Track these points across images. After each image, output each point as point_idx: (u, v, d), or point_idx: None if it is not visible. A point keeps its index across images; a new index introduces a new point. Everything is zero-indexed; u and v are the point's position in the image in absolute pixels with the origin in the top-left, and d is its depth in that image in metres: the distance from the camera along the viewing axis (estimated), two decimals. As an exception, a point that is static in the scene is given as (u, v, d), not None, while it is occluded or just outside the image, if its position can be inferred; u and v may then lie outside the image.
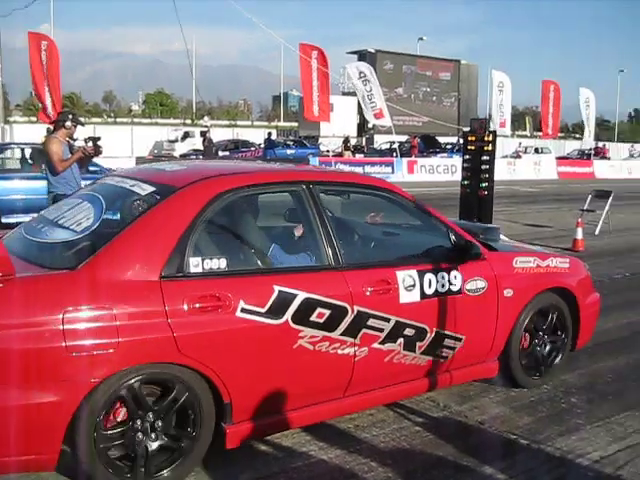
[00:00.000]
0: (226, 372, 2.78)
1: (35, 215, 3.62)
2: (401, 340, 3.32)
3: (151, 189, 3.05)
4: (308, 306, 2.97)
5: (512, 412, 3.77)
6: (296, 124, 45.32)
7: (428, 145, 35.71)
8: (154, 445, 2.67)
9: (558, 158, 34.80)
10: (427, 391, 3.73)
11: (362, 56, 42.70)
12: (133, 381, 2.58)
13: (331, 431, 3.40)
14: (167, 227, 2.80)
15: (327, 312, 3.03)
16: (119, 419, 2.64)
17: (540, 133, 36.03)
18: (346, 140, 29.71)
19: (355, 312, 3.11)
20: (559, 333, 4.14)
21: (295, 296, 2.93)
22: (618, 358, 4.72)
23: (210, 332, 2.73)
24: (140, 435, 2.63)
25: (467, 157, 9.83)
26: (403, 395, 3.65)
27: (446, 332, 3.50)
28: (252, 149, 32.23)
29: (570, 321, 4.15)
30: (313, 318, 2.99)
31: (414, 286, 3.34)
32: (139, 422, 2.64)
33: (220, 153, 28.37)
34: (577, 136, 38.13)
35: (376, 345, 3.24)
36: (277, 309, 2.88)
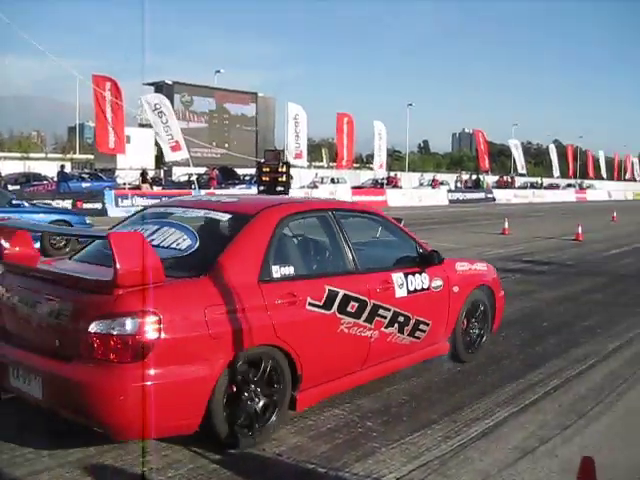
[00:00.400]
0: (300, 351, 3.89)
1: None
2: (396, 325, 4.69)
3: (229, 216, 4.22)
4: (346, 300, 4.24)
5: (309, 441, 3.96)
6: (92, 156, 44.81)
7: (227, 177, 37.31)
8: (259, 405, 3.76)
9: (353, 187, 38.43)
10: (408, 366, 5.12)
11: (159, 88, 43.58)
12: (246, 359, 3.64)
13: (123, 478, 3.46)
14: (256, 244, 3.92)
15: (356, 304, 4.32)
16: (234, 390, 3.63)
17: (336, 164, 39.37)
18: (144, 173, 30.16)
19: (372, 304, 4.44)
20: (485, 319, 5.78)
21: (338, 293, 4.18)
22: (411, 380, 5.19)
23: (292, 321, 3.86)
24: (250, 400, 3.70)
25: (262, 188, 10.37)
26: (396, 368, 4.96)
27: (421, 319, 4.93)
28: (44, 182, 31.53)
29: (490, 310, 5.84)
30: (348, 309, 4.26)
31: (403, 285, 4.76)
32: (248, 390, 3.69)
33: (10, 187, 27.05)
34: (371, 166, 42.66)
35: (383, 329, 4.57)
36: (328, 303, 4.11)
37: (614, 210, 28.21)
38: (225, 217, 4.24)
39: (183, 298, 3.49)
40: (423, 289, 4.95)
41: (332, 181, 39.54)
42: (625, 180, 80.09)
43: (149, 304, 3.24)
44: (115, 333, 3.19)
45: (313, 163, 61.43)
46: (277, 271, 3.95)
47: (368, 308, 4.41)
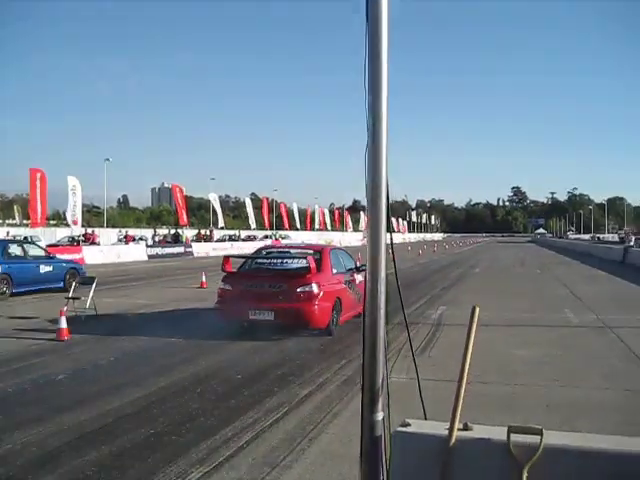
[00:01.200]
0: (341, 298, 11.39)
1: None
2: (355, 295, 11.72)
3: (311, 250, 12.02)
4: (348, 282, 11.91)
5: None
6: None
7: None
8: (336, 318, 11.43)
9: (49, 245, 36.43)
10: (355, 317, 11.79)
11: None
12: (333, 301, 11.20)
13: None
14: (330, 260, 11.61)
15: (350, 283, 11.91)
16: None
17: (30, 221, 38.07)
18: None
19: (353, 284, 12.00)
20: None
21: (346, 279, 11.96)
22: (101, 449, 5.26)
23: (340, 289, 11.55)
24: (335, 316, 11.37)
25: None
26: (358, 311, 11.18)
27: (359, 293, 10.78)
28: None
29: None
30: (349, 285, 11.88)
31: (357, 278, 12.07)
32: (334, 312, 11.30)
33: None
34: (66, 223, 41.46)
35: (354, 295, 11.75)
36: (345, 283, 11.79)
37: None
38: (310, 251, 11.97)
39: (322, 280, 10.80)
40: (360, 281, 11.70)
41: (25, 239, 37.54)
42: (317, 230, 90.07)
43: (316, 281, 10.62)
44: (307, 290, 10.47)
45: (6, 221, 57.19)
46: (333, 271, 11.45)
47: (352, 285, 11.85)
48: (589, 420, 5.93)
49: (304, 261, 10.88)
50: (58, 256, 21.29)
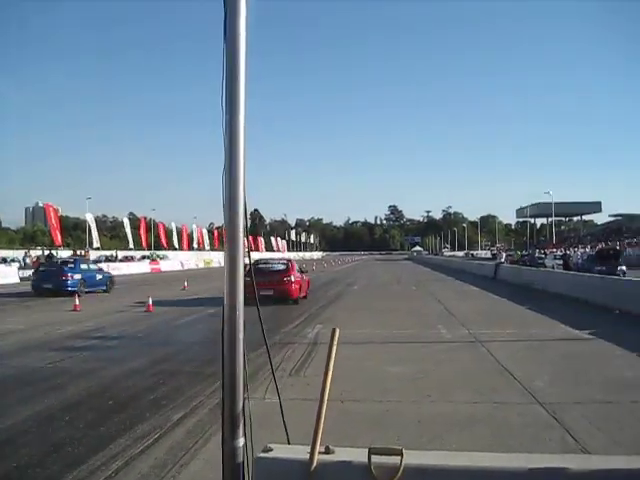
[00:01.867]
0: (303, 284, 22.89)
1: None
2: (303, 282, 23.13)
3: (285, 260, 23.69)
4: (299, 275, 22.94)
5: None
6: None
7: None
8: (302, 294, 23.63)
9: None
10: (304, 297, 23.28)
11: None
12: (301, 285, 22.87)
13: None
14: (295, 266, 22.59)
15: (302, 276, 23.34)
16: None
17: None
18: None
19: (304, 276, 23.99)
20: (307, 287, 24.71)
21: (302, 275, 23.60)
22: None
23: (301, 279, 22.75)
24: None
25: None
26: (303, 296, 22.85)
27: (303, 282, 23.13)
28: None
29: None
30: (302, 276, 23.53)
31: (303, 276, 24.17)
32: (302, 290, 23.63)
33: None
34: None
35: (303, 284, 23.25)
36: (302, 276, 23.36)
37: (184, 279, 31.32)
38: (283, 261, 23.39)
39: (294, 274, 21.44)
40: (305, 278, 23.76)
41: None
42: (196, 249, 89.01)
43: (292, 274, 21.32)
44: (288, 279, 20.90)
45: None
46: (299, 271, 22.78)
47: (303, 276, 23.50)
48: (459, 434, 6.18)
49: (283, 265, 22.22)
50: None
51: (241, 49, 2.31)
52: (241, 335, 2.38)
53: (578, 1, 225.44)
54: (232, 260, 2.32)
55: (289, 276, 20.92)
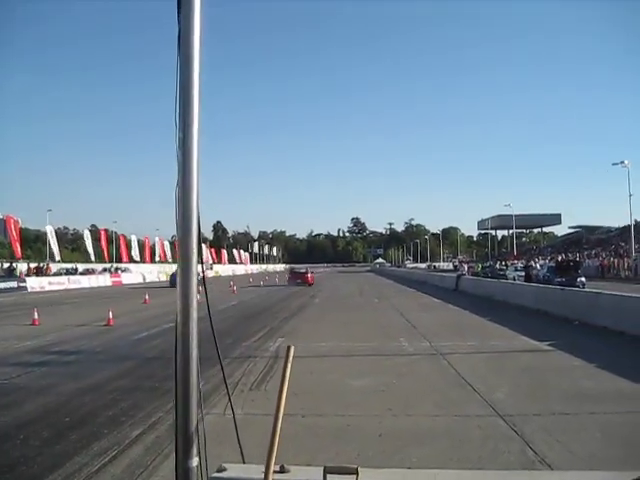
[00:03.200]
0: None
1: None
2: (313, 277, 55.15)
3: (306, 268, 59.37)
4: (312, 274, 56.24)
5: None
6: None
7: None
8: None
9: None
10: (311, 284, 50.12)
11: None
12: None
13: None
14: (309, 270, 56.82)
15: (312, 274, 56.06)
16: None
17: None
18: None
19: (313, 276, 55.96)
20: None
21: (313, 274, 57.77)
22: None
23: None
24: None
25: None
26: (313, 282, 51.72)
27: (313, 277, 54.65)
28: None
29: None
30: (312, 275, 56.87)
31: (312, 274, 57.08)
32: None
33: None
34: None
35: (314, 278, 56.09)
36: (312, 274, 55.98)
37: (146, 293, 30.98)
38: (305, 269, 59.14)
39: (310, 274, 53.17)
40: (313, 275, 55.98)
41: None
42: (158, 262, 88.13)
43: (310, 274, 53.28)
44: (309, 276, 52.58)
45: None
46: (310, 272, 55.58)
47: (312, 274, 55.87)
48: (420, 448, 6.19)
49: (304, 270, 55.53)
50: None
51: (195, 65, 2.30)
52: (195, 352, 2.35)
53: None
54: (185, 276, 2.29)
55: (307, 274, 52.09)
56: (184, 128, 2.28)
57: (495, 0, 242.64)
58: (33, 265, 57.51)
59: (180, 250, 2.28)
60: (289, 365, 2.35)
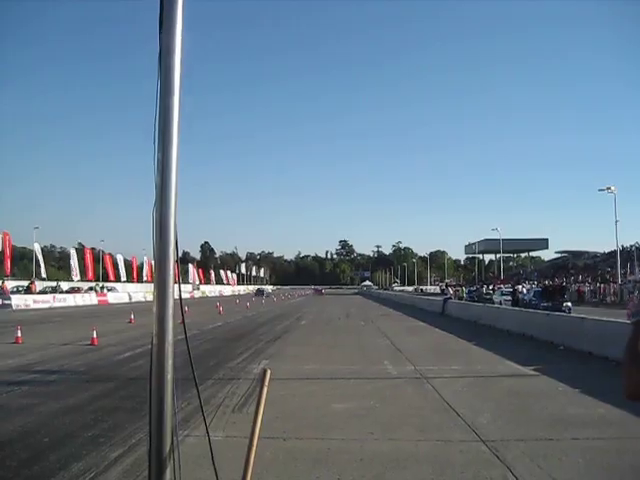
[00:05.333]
0: None
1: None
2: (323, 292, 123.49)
3: (321, 288, 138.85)
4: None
5: None
6: None
7: None
8: None
9: None
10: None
11: None
12: None
13: None
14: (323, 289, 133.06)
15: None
16: None
17: None
18: None
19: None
20: None
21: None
22: None
23: None
24: None
25: None
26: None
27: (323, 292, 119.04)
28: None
29: None
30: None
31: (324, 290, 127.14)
32: None
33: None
34: None
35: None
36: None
37: (131, 312, 30.83)
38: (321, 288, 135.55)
39: (323, 291, 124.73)
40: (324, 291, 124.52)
41: None
42: (145, 282, 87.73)
43: (324, 290, 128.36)
44: (322, 291, 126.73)
45: None
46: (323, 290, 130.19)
47: (324, 290, 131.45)
48: (401, 473, 6.17)
49: (322, 288, 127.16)
50: None
51: (175, 82, 2.29)
52: (170, 376, 2.33)
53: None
54: (161, 298, 2.27)
55: (322, 290, 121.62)
56: (163, 148, 2.26)
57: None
58: (15, 283, 57.24)
59: (157, 272, 2.27)
60: (265, 389, 2.34)
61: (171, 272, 2.27)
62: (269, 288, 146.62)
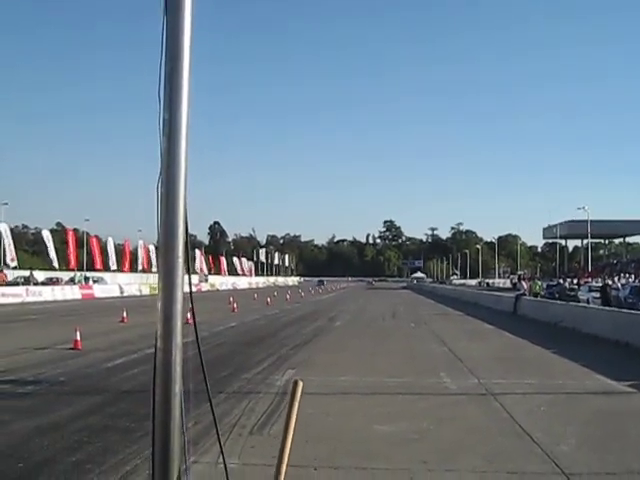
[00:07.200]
0: None
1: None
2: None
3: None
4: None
5: None
6: None
7: None
8: None
9: None
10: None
11: None
12: None
13: None
14: None
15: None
16: None
17: None
18: None
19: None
20: None
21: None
22: None
23: None
24: None
25: None
26: None
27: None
28: None
29: None
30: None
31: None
32: None
33: None
34: None
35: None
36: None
37: (124, 309, 31.15)
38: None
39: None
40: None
41: None
42: (140, 271, 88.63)
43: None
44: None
45: None
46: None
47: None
48: (461, 513, 6.16)
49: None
50: None
51: (186, 19, 2.30)
52: (178, 388, 2.37)
53: None
54: (167, 292, 2.30)
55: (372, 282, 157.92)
56: (170, 106, 2.27)
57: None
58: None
59: (162, 259, 2.29)
60: (296, 404, 2.37)
61: (180, 259, 2.30)
62: (295, 280, 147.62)
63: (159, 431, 2.37)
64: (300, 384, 2.36)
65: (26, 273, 65.03)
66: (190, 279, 2.42)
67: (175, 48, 2.27)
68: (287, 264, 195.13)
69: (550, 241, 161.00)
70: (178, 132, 2.27)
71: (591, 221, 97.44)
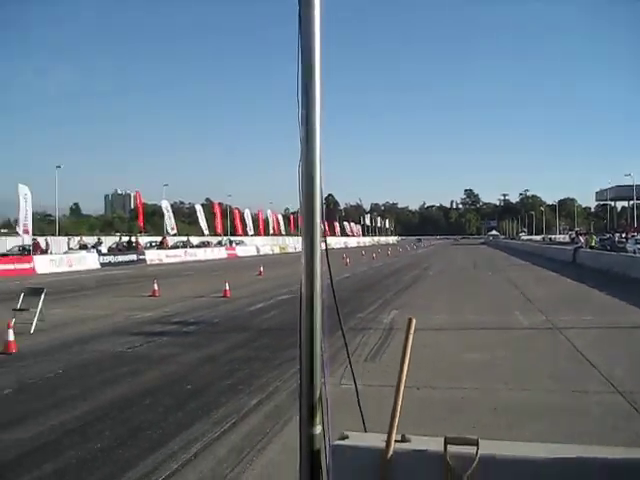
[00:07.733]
0: None
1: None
2: None
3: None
4: None
5: None
6: None
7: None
8: None
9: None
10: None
11: None
12: None
13: None
14: None
15: None
16: None
17: None
18: None
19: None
20: None
21: None
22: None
23: None
24: None
25: None
26: None
27: None
28: None
29: None
30: None
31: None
32: None
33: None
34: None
35: None
36: None
37: (261, 265, 31.84)
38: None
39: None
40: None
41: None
42: (271, 235, 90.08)
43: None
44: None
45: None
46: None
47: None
48: (536, 423, 6.05)
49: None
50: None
51: (316, 42, 2.34)
52: (319, 324, 2.41)
53: None
54: (309, 249, 2.35)
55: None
56: (307, 105, 2.34)
57: None
58: (147, 239, 61.00)
59: (304, 225, 2.35)
60: (410, 338, 2.37)
61: (318, 224, 2.36)
62: (394, 239, 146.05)
63: (305, 357, 2.44)
64: (413, 321, 2.36)
65: (184, 239, 67.07)
66: (326, 239, 2.46)
67: (308, 60, 2.38)
68: (387, 226, 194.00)
69: (601, 203, 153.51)
70: (313, 124, 2.34)
71: (637, 185, 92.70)
